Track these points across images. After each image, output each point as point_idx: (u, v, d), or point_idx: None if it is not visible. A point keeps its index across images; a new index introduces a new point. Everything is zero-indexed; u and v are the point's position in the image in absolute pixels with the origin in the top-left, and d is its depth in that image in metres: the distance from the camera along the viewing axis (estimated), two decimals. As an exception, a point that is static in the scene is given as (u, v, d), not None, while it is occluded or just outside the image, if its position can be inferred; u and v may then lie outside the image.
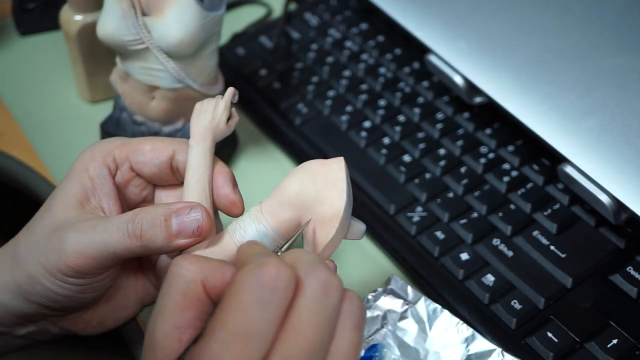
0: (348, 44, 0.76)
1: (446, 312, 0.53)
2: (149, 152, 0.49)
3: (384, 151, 0.65)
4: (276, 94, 0.71)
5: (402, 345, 0.52)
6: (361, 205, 0.62)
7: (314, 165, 0.45)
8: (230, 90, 0.49)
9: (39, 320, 0.50)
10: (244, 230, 0.46)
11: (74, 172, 0.49)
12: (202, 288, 0.39)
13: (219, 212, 0.49)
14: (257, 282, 0.36)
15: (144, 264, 0.53)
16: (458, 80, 0.63)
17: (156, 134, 0.63)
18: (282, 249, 0.45)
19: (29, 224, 0.49)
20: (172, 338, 0.38)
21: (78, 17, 0.66)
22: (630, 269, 0.56)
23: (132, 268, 0.52)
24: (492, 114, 0.66)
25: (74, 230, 0.45)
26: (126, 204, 0.50)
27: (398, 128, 0.67)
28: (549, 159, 0.63)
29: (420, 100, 0.69)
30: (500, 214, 0.60)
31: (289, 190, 0.45)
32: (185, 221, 0.45)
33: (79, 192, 0.48)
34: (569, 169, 0.56)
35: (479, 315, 0.55)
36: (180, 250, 0.46)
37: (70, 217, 0.47)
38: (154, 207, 0.46)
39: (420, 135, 0.66)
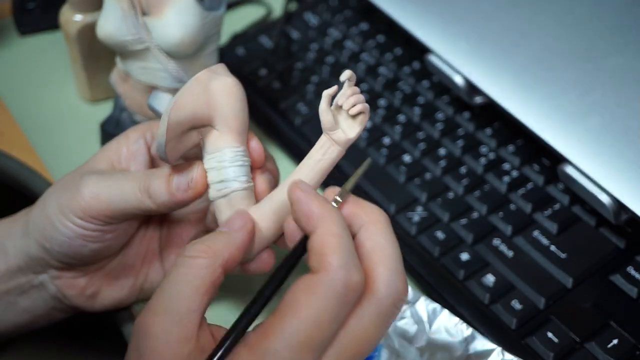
0: (348, 44, 0.76)
1: (446, 311, 0.53)
2: None
3: (384, 151, 0.65)
4: (276, 94, 0.71)
5: (401, 345, 0.52)
6: (361, 205, 0.62)
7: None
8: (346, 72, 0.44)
9: (39, 271, 0.51)
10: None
11: (116, 138, 0.52)
12: (222, 270, 0.41)
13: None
14: (339, 300, 0.37)
15: (164, 249, 0.54)
16: (458, 80, 0.63)
17: (156, 133, 0.63)
18: (348, 188, 0.43)
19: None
20: (188, 320, 0.39)
21: (78, 17, 0.66)
22: (630, 269, 0.56)
23: (142, 252, 0.53)
24: (492, 114, 0.66)
25: (95, 174, 0.48)
26: None
27: (398, 128, 0.67)
28: (549, 159, 0.63)
29: (420, 100, 0.69)
30: (501, 214, 0.60)
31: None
32: (182, 176, 0.46)
33: (113, 153, 0.51)
34: (569, 169, 0.56)
35: (479, 316, 0.55)
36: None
37: (96, 168, 0.50)
38: (166, 167, 0.48)
39: (420, 135, 0.66)
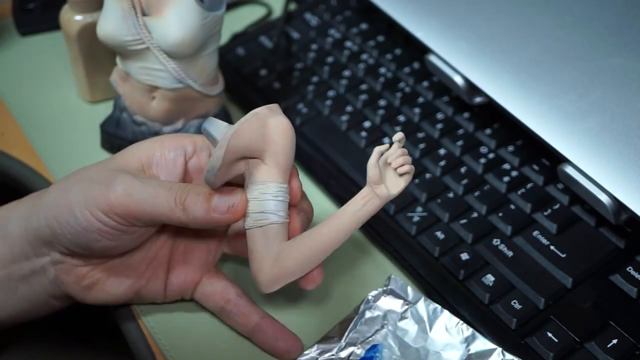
0: (348, 44, 0.76)
1: (446, 312, 0.53)
2: None
3: (384, 151, 0.65)
4: (276, 94, 0.71)
5: (402, 345, 0.52)
6: (361, 205, 0.62)
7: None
8: (398, 136, 0.48)
9: (43, 253, 0.51)
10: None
11: (149, 140, 0.51)
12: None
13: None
14: None
15: (172, 261, 0.54)
16: (458, 80, 0.63)
17: (156, 134, 0.63)
18: None
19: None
20: None
21: (78, 17, 0.66)
22: (630, 269, 0.56)
23: (151, 256, 0.53)
24: (492, 114, 0.66)
25: (131, 175, 0.48)
26: None
27: (398, 128, 0.67)
28: (549, 159, 0.63)
29: (420, 100, 0.69)
30: (500, 214, 0.60)
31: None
32: (223, 199, 0.47)
33: (144, 156, 0.51)
34: (569, 169, 0.56)
35: (479, 316, 0.55)
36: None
37: (128, 167, 0.50)
38: (204, 185, 0.48)
39: (420, 135, 0.66)
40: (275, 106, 0.48)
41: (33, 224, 0.50)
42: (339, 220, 0.48)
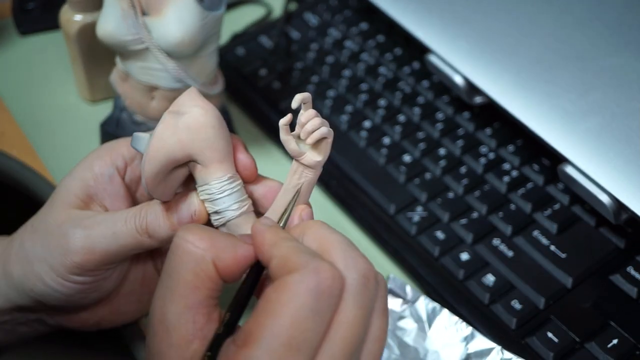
0: (348, 44, 0.76)
1: (445, 310, 0.53)
2: None
3: (384, 151, 0.65)
4: (276, 94, 0.71)
5: (401, 344, 0.52)
6: (361, 205, 0.62)
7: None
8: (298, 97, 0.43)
9: (35, 311, 0.50)
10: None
11: (77, 170, 0.48)
12: (213, 267, 0.38)
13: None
14: (313, 292, 0.36)
15: (159, 264, 0.53)
16: (458, 80, 0.63)
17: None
18: (284, 220, 0.44)
19: (31, 220, 0.49)
20: (185, 319, 0.38)
21: (78, 17, 0.66)
22: (630, 269, 0.56)
23: (139, 277, 0.52)
24: (492, 114, 0.66)
25: (80, 227, 0.46)
26: (140, 202, 0.50)
27: (398, 128, 0.67)
28: (549, 159, 0.63)
29: (420, 100, 0.69)
30: (501, 214, 0.60)
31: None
32: (183, 209, 0.45)
33: (79, 190, 0.48)
34: (569, 169, 0.56)
35: (479, 316, 0.55)
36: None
37: (72, 215, 0.47)
38: (155, 202, 0.46)
39: (420, 135, 0.66)
40: (187, 95, 0.44)
41: (13, 296, 0.48)
42: (284, 201, 0.45)
